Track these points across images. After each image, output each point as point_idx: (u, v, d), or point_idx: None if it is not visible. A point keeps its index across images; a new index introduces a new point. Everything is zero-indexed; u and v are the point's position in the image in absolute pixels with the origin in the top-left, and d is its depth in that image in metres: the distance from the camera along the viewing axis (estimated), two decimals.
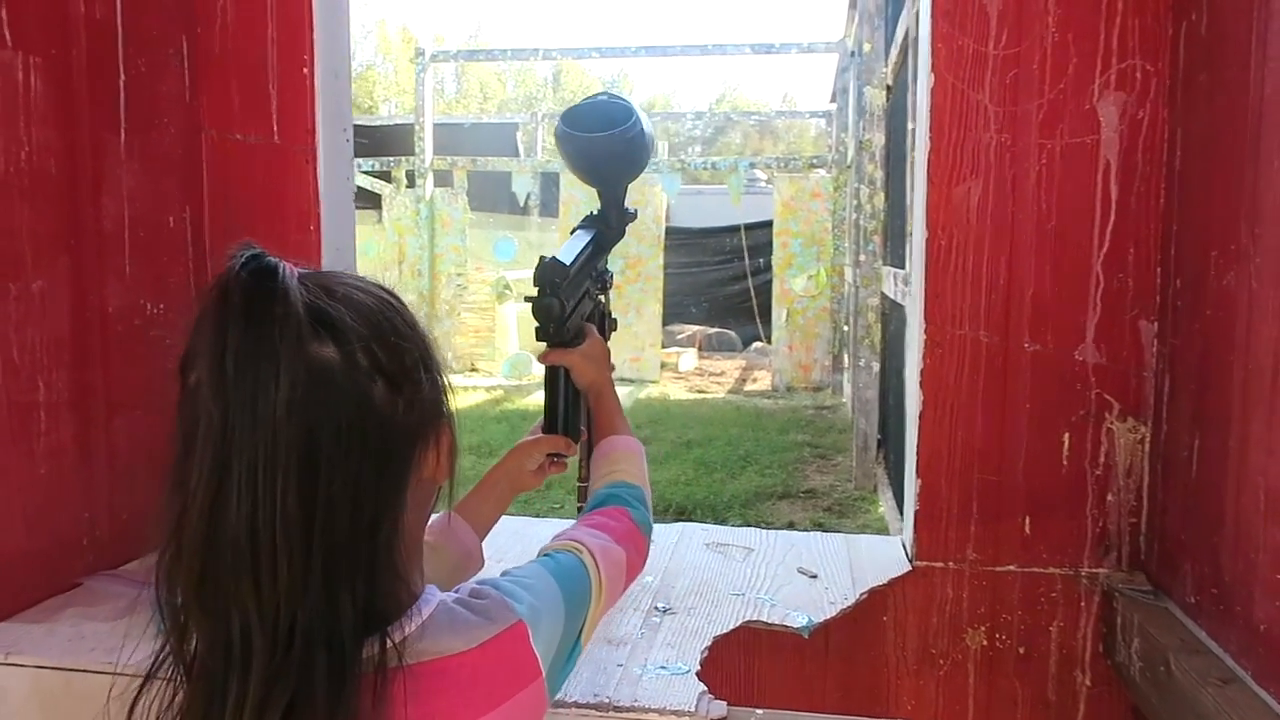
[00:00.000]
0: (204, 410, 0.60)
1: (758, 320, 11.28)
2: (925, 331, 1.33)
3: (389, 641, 0.64)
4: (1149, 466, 1.29)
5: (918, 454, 1.35)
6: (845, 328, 8.06)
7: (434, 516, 1.00)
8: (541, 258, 1.04)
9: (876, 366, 5.58)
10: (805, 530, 3.30)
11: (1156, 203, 1.26)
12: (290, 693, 0.61)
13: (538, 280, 1.03)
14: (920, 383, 1.34)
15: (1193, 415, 1.17)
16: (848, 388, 7.35)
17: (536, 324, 1.05)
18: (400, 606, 0.67)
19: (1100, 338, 1.29)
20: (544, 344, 1.08)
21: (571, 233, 1.22)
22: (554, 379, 1.09)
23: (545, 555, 0.83)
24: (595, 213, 1.24)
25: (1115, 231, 1.27)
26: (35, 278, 1.15)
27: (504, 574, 0.77)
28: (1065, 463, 1.32)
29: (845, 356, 8.06)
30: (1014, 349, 1.31)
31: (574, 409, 1.11)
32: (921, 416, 1.34)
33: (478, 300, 10.10)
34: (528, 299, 1.05)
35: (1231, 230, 1.05)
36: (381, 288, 0.71)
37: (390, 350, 0.66)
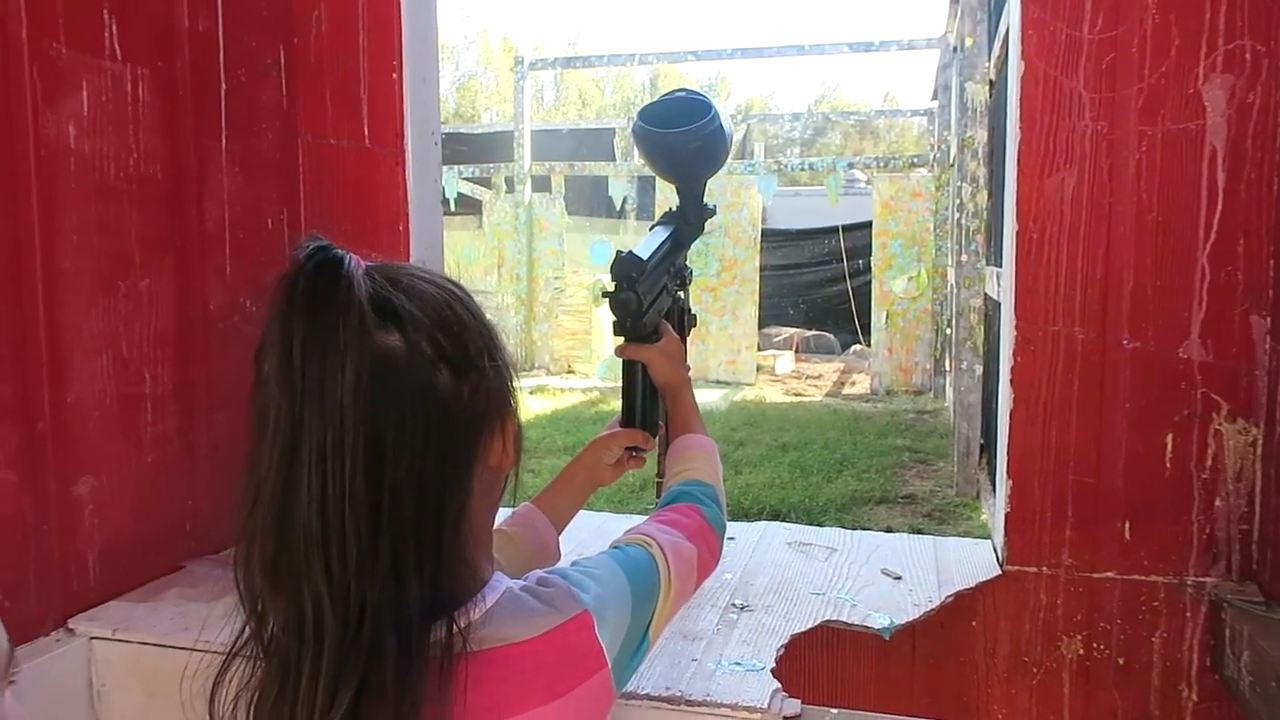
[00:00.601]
0: (273, 399, 0.62)
1: (856, 323, 11.08)
2: (1016, 327, 1.28)
3: (455, 626, 0.65)
4: (1261, 470, 1.22)
5: (1008, 455, 1.31)
6: (947, 330, 7.84)
7: (515, 508, 1.01)
8: (618, 252, 1.04)
9: (979, 369, 5.39)
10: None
11: (1269, 190, 1.18)
12: (361, 672, 0.62)
13: (615, 275, 1.03)
14: (1010, 380, 1.29)
15: None
16: (949, 391, 7.15)
17: (614, 318, 1.05)
18: (467, 592, 0.68)
19: (1207, 334, 1.22)
20: (621, 339, 1.09)
21: (650, 229, 1.22)
22: (631, 373, 1.10)
23: (615, 548, 0.83)
24: (674, 209, 1.24)
25: (1223, 222, 1.21)
26: (143, 277, 1.21)
27: (573, 564, 0.77)
28: (1169, 465, 1.25)
29: (947, 359, 7.84)
30: (1111, 346, 1.25)
31: (651, 403, 1.11)
32: (1012, 416, 1.29)
33: (574, 303, 10.23)
34: (605, 294, 1.05)
35: None
36: (447, 279, 0.72)
37: (454, 339, 0.67)
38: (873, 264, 9.15)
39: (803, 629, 1.17)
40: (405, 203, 1.44)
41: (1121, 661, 1.30)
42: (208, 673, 0.71)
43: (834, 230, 11.70)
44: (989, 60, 5.10)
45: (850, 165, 10.11)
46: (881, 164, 9.86)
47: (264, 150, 1.41)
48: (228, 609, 1.15)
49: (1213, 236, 1.21)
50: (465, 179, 10.36)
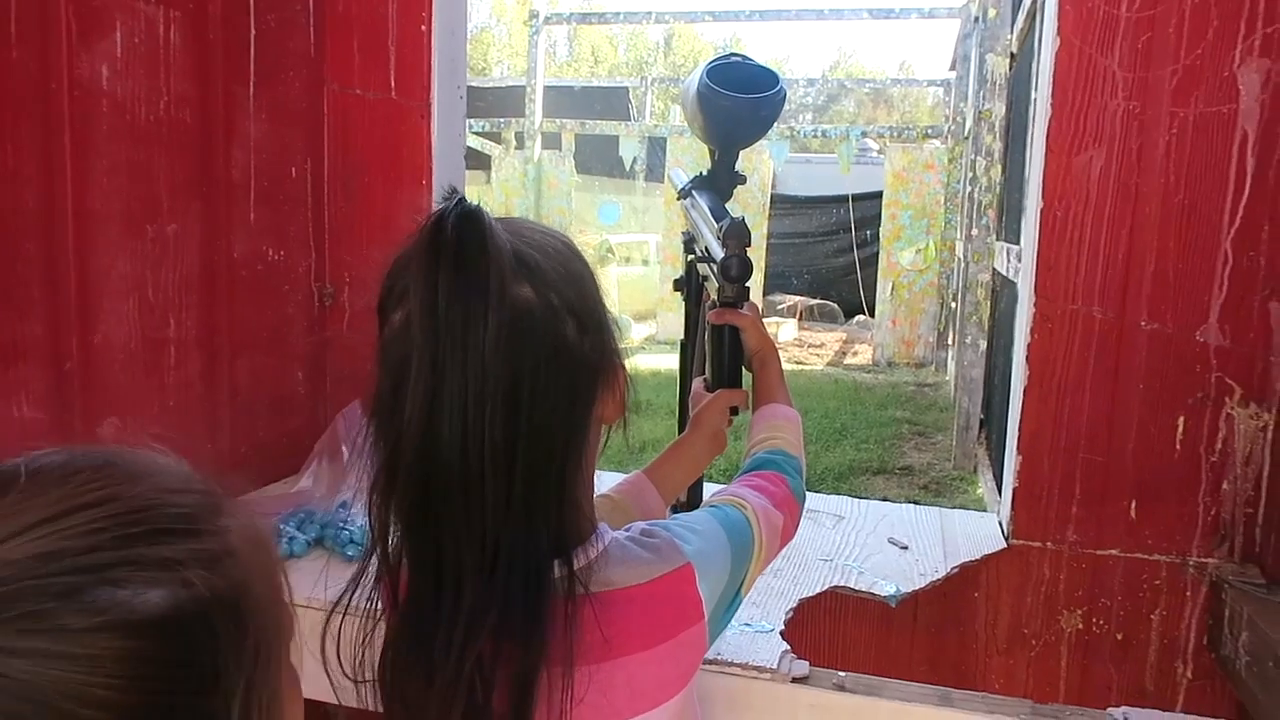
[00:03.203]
0: (415, 346, 0.63)
1: (861, 293, 11.05)
2: (1035, 305, 1.29)
3: (572, 567, 0.67)
4: (1270, 455, 1.23)
5: (1019, 430, 1.32)
6: (952, 304, 7.83)
7: (626, 476, 1.01)
8: (732, 218, 1.01)
9: (984, 344, 5.41)
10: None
11: None
12: (496, 610, 0.65)
13: (733, 239, 1.00)
14: (1026, 357, 1.30)
15: None
16: (951, 365, 7.17)
17: (733, 280, 1.01)
18: (581, 536, 0.71)
19: (1225, 318, 1.23)
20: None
21: (686, 194, 1.22)
22: (720, 337, 1.06)
23: (711, 507, 0.84)
24: (704, 174, 1.23)
25: (1249, 207, 1.21)
26: (170, 221, 1.22)
27: (673, 518, 0.79)
28: (1178, 447, 1.27)
29: (951, 333, 7.85)
30: (1129, 326, 1.26)
31: (738, 367, 1.08)
32: (1026, 392, 1.31)
33: None
34: (729, 257, 1.00)
35: None
36: (558, 233, 0.74)
37: (577, 292, 0.69)
38: (881, 235, 9.10)
39: (811, 594, 1.19)
40: (429, 156, 1.44)
41: (1120, 637, 1.32)
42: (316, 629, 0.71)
43: (843, 199, 11.61)
44: (1011, 32, 5.05)
45: (863, 134, 10.04)
46: (895, 134, 9.79)
47: (290, 99, 1.41)
48: None
49: (1238, 221, 1.22)
50: (475, 133, 10.28)
